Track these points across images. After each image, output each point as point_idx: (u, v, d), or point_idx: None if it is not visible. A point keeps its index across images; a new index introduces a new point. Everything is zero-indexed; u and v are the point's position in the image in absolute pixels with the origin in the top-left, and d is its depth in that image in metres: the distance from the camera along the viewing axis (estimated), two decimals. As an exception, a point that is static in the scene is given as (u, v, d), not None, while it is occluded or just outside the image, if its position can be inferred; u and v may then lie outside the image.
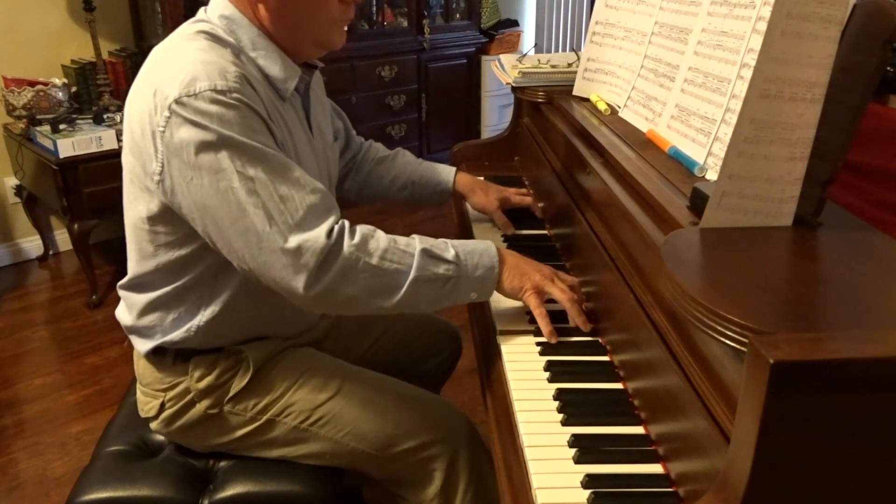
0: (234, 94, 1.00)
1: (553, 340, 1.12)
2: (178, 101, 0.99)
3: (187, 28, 1.11)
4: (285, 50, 1.13)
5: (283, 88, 1.13)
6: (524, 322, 1.18)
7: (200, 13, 1.14)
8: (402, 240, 1.08)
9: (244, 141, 1.00)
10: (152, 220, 1.10)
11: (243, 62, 1.09)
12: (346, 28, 1.16)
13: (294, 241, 1.00)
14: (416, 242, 1.08)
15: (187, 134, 0.99)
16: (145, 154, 1.04)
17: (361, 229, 1.06)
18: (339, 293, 1.04)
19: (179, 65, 1.02)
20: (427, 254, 1.07)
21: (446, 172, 1.55)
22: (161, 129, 1.00)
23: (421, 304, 1.09)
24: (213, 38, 1.08)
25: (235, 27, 1.10)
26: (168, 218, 1.08)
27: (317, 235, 1.01)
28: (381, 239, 1.06)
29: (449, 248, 1.10)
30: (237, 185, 0.99)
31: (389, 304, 1.07)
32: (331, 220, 1.04)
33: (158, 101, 1.00)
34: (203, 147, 0.99)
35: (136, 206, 1.11)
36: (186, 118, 0.98)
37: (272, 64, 1.11)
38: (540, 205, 1.62)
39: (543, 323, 1.13)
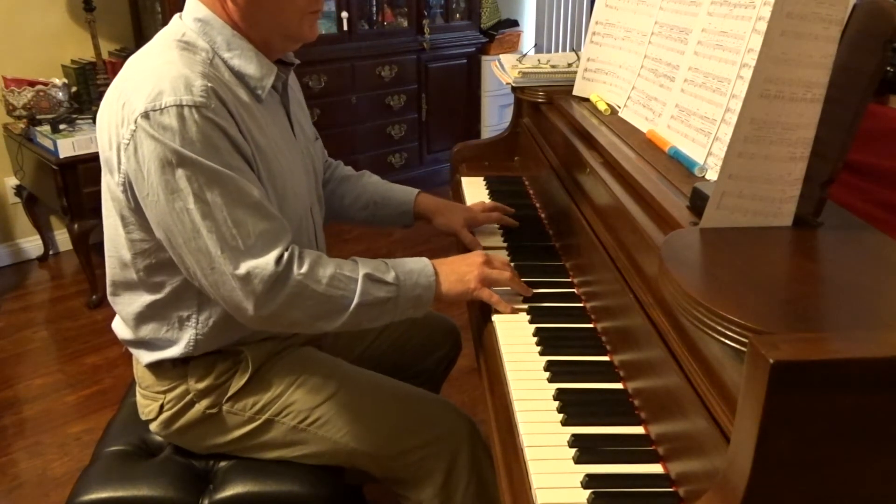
0: (199, 109, 1.01)
1: (509, 311, 1.20)
2: (143, 115, 1.00)
3: (162, 37, 1.12)
4: (258, 47, 1.13)
5: (260, 87, 1.13)
6: (524, 322, 1.18)
7: (175, 20, 1.14)
8: (346, 265, 1.11)
9: (203, 162, 1.01)
10: (127, 226, 1.11)
11: (217, 67, 1.09)
12: (317, 19, 1.16)
13: (244, 267, 1.03)
14: (360, 267, 1.11)
15: (149, 150, 1.00)
16: (111, 164, 1.07)
17: (310, 256, 1.09)
18: (286, 317, 1.08)
19: (148, 78, 1.03)
20: (370, 278, 1.11)
21: (408, 193, 1.50)
22: (126, 141, 1.02)
23: (362, 324, 1.13)
24: (186, 45, 1.09)
25: (209, 29, 1.10)
26: (142, 224, 1.10)
27: (266, 262, 1.04)
28: (328, 265, 1.09)
29: (389, 269, 1.13)
30: (192, 206, 1.01)
31: (332, 327, 1.11)
32: (281, 246, 1.06)
33: (126, 113, 1.02)
34: (162, 165, 1.00)
35: (111, 214, 1.13)
36: (149, 133, 0.99)
37: (248, 63, 1.12)
38: (541, 212, 1.62)
39: (502, 307, 1.20)
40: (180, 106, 1.00)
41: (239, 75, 1.12)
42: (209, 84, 1.03)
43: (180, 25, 1.12)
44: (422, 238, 3.30)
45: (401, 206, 1.49)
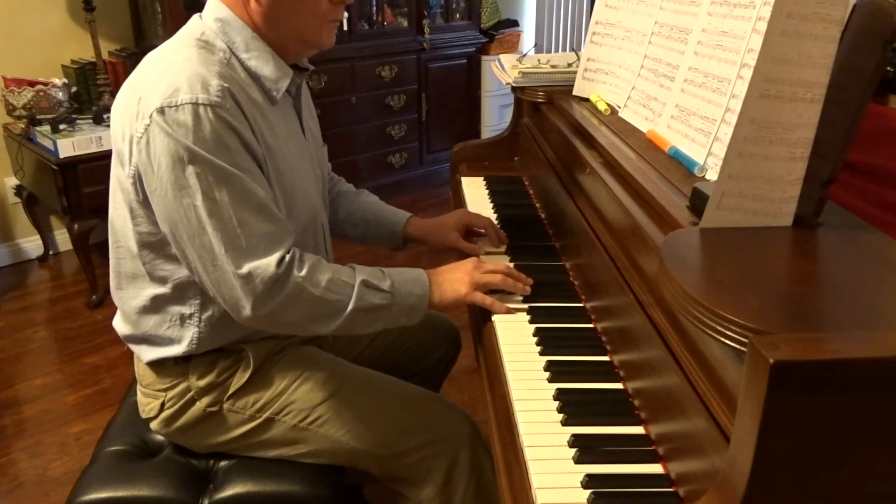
0: (214, 109, 1.02)
1: (504, 311, 1.21)
2: (158, 110, 1.01)
3: (181, 35, 1.13)
4: (275, 50, 1.14)
5: (275, 89, 1.14)
6: (524, 322, 1.18)
7: (195, 19, 1.15)
8: (344, 271, 1.13)
9: (214, 160, 1.02)
10: (135, 218, 1.12)
11: (233, 67, 1.10)
12: (335, 28, 1.17)
13: (246, 267, 1.04)
14: (357, 273, 1.13)
15: (161, 145, 1.01)
16: (122, 156, 1.08)
17: (310, 260, 1.10)
18: (282, 317, 1.09)
19: (165, 74, 1.04)
20: (366, 284, 1.12)
21: (399, 216, 1.49)
22: (139, 135, 1.03)
23: (356, 329, 1.15)
24: (205, 45, 1.10)
25: (229, 29, 1.11)
26: (149, 217, 1.10)
27: (268, 263, 1.05)
28: (326, 270, 1.11)
29: (386, 277, 1.15)
30: (200, 203, 1.02)
31: (327, 330, 1.13)
32: (283, 248, 1.07)
33: (141, 108, 1.03)
34: (173, 160, 1.01)
35: (120, 206, 1.14)
36: (163, 128, 1.00)
37: (264, 64, 1.13)
38: (539, 212, 1.62)
39: (496, 308, 1.21)
40: (196, 104, 1.01)
41: (255, 76, 1.13)
42: (225, 84, 1.04)
43: (200, 25, 1.13)
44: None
45: (391, 227, 1.49)
